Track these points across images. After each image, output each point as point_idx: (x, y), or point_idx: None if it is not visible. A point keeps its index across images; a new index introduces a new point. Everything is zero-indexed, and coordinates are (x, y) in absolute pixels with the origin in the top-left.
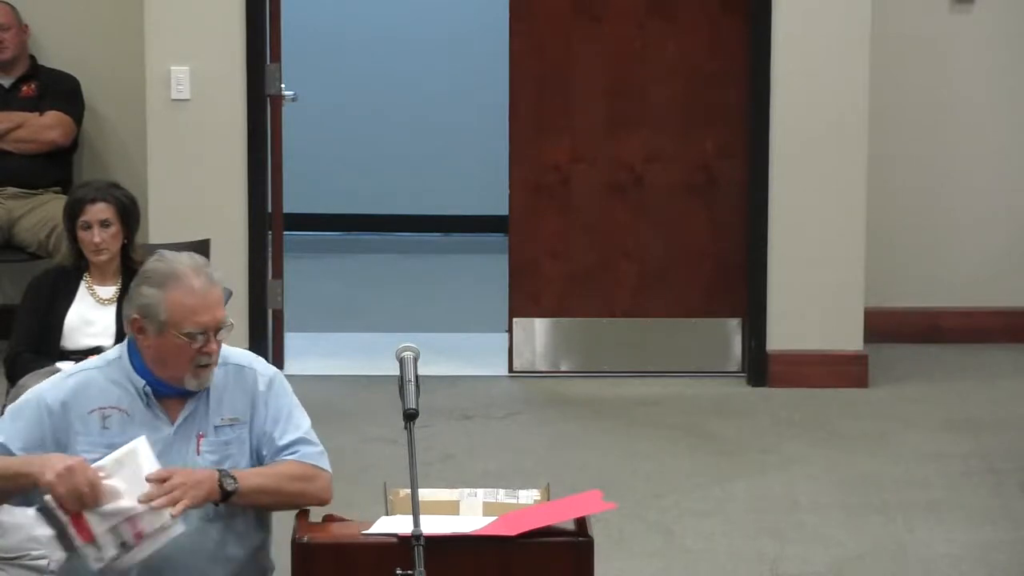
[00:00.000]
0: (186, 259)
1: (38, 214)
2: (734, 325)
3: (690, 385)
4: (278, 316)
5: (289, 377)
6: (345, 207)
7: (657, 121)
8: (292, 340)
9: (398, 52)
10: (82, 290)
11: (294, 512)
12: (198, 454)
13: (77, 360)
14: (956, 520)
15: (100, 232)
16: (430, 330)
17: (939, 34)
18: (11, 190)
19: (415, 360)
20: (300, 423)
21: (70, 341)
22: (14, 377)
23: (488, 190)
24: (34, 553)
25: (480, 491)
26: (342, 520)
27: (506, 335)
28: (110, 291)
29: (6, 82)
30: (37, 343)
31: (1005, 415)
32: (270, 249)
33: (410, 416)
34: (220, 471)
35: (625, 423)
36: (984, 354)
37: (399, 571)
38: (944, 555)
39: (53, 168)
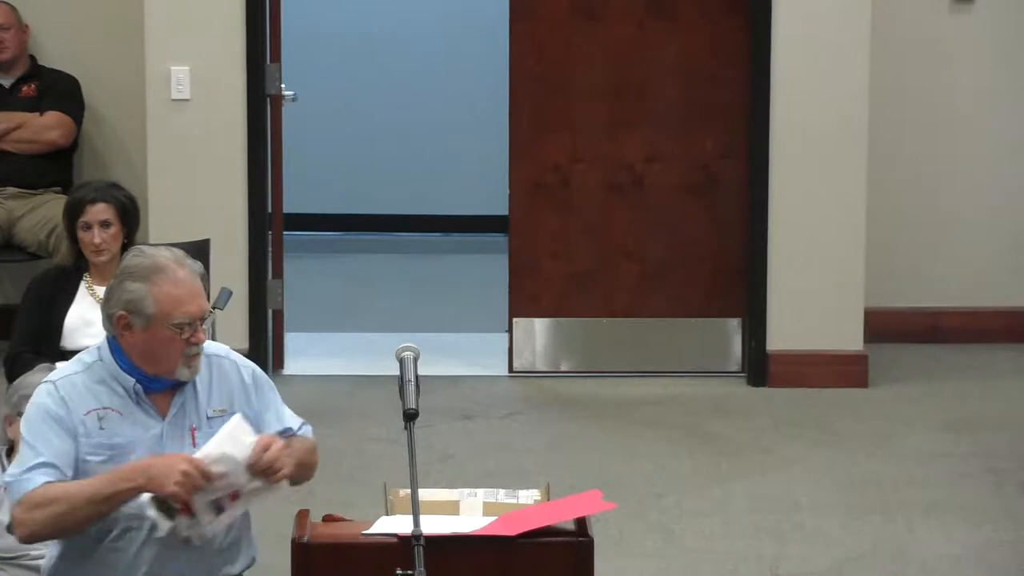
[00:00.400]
0: (165, 252)
1: (38, 214)
2: (734, 325)
3: (690, 385)
4: (278, 316)
5: (289, 377)
6: (345, 207)
7: (657, 121)
8: (292, 340)
9: (398, 52)
10: (82, 290)
11: (294, 512)
12: (194, 446)
13: None
14: (956, 520)
15: (100, 232)
16: (430, 330)
17: (939, 34)
18: (11, 190)
19: (415, 360)
20: (286, 408)
21: (70, 341)
22: (14, 377)
23: (488, 190)
24: (33, 553)
25: (480, 491)
26: (342, 520)
27: (506, 335)
28: None
29: (6, 82)
30: (37, 343)
31: (1005, 415)
32: (270, 249)
33: (410, 416)
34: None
35: (625, 423)
36: (984, 354)
37: (399, 571)
38: (944, 555)
39: (53, 168)
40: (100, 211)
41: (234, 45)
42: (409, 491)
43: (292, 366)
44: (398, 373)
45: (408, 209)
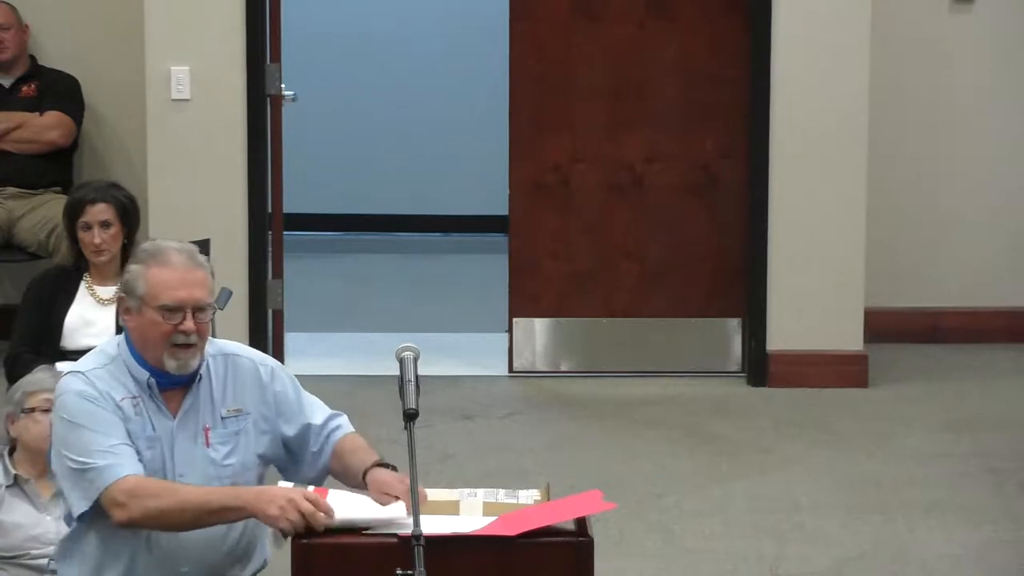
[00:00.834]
0: (175, 242)
1: (38, 214)
2: (734, 325)
3: (690, 385)
4: (278, 316)
5: None
6: (345, 207)
7: (657, 121)
8: (292, 340)
9: (398, 52)
10: (82, 290)
11: None
12: (207, 446)
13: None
14: (956, 520)
15: (100, 233)
16: (430, 330)
17: (939, 34)
18: (11, 190)
19: (415, 360)
20: (315, 402)
21: (70, 341)
22: (14, 377)
23: (488, 190)
24: (34, 552)
25: (480, 491)
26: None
27: (506, 335)
28: (110, 291)
29: (6, 82)
30: (37, 343)
31: (1005, 415)
32: (270, 249)
33: (410, 416)
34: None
35: (625, 423)
36: (984, 354)
37: (399, 571)
38: (944, 555)
39: (53, 168)
40: (100, 211)
41: (234, 45)
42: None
43: (292, 366)
44: (398, 373)
45: (408, 209)
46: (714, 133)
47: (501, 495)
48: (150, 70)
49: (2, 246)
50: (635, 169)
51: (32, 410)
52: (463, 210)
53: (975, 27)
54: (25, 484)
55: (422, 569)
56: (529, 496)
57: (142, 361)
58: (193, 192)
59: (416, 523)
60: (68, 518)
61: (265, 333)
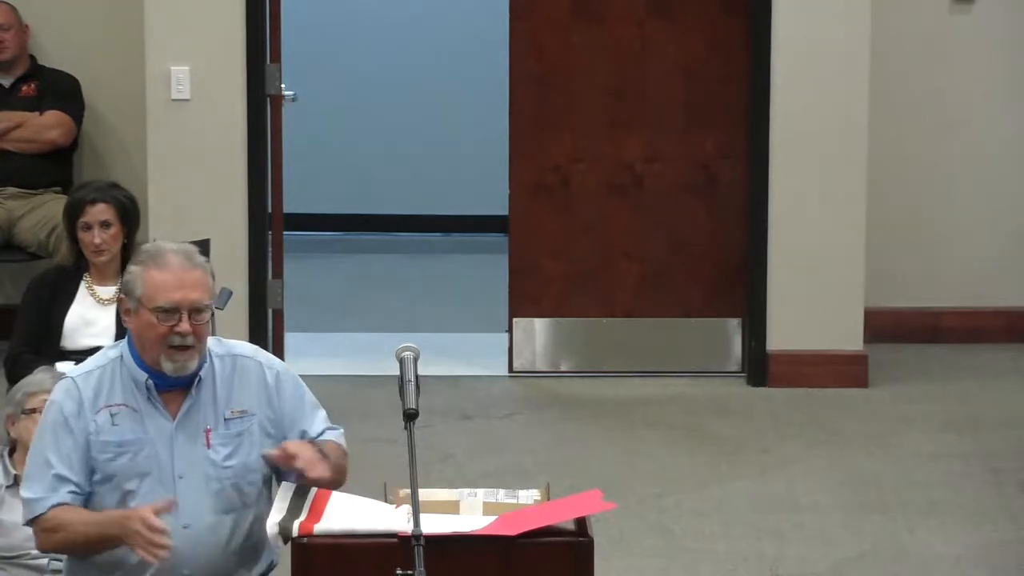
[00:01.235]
0: (173, 244)
1: (38, 214)
2: (734, 325)
3: (690, 385)
4: (278, 316)
5: None
6: (345, 207)
7: (657, 121)
8: (292, 340)
9: (398, 52)
10: (82, 290)
11: None
12: (208, 447)
13: (77, 360)
14: (956, 520)
15: (100, 233)
16: (430, 330)
17: (939, 34)
18: (11, 190)
19: (415, 360)
20: (317, 411)
21: (70, 341)
22: (14, 377)
23: (488, 190)
24: (34, 552)
25: (480, 491)
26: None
27: (506, 335)
28: (110, 291)
29: (6, 82)
30: (37, 343)
31: (1005, 415)
32: (270, 249)
33: (410, 416)
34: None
35: (625, 423)
36: (984, 354)
37: (399, 571)
38: (944, 555)
39: (53, 168)
40: (100, 211)
41: (234, 45)
42: (409, 491)
43: (292, 366)
44: (398, 373)
45: (408, 209)
46: (714, 133)
47: (501, 495)
48: (150, 70)
49: (2, 246)
50: (635, 169)
51: (33, 411)
52: (463, 210)
53: (975, 27)
54: None
55: (422, 569)
56: (529, 496)
57: (141, 363)
58: (193, 192)
59: (416, 523)
60: None
61: (265, 333)
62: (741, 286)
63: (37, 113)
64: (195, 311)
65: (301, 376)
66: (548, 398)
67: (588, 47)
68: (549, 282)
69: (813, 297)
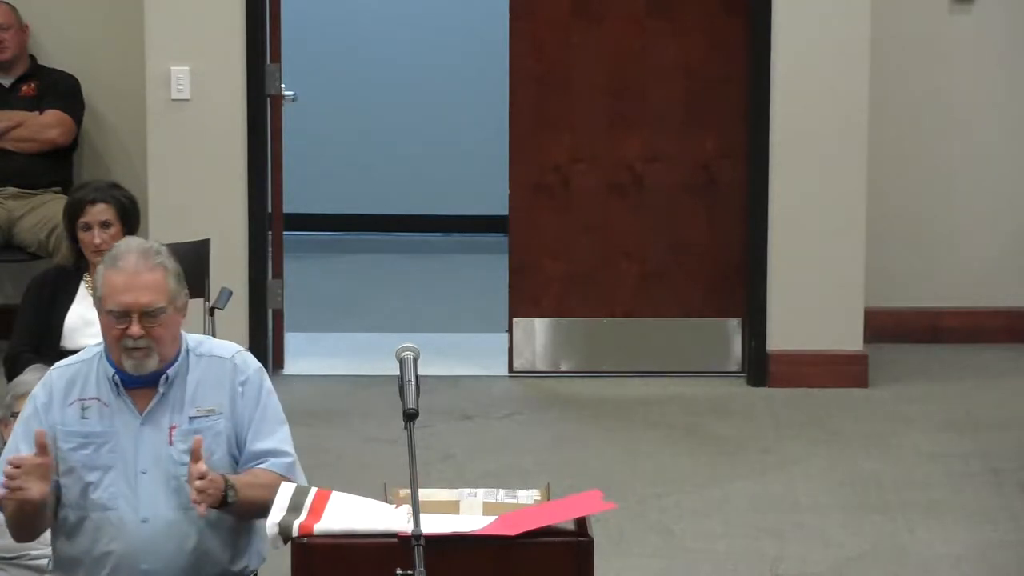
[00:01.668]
0: (136, 243)
1: (38, 214)
2: (734, 325)
3: (690, 385)
4: (278, 316)
5: (289, 377)
6: (345, 207)
7: (657, 121)
8: (292, 340)
9: (398, 52)
10: (82, 290)
11: None
12: (170, 444)
13: None
14: (956, 520)
15: (100, 233)
16: (430, 330)
17: (939, 34)
18: (11, 190)
19: (415, 360)
20: (275, 430)
21: (70, 341)
22: (14, 377)
23: (488, 190)
24: (34, 553)
25: (480, 491)
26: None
27: (506, 335)
28: None
29: (6, 82)
30: (37, 343)
31: (1005, 415)
32: (270, 249)
33: (410, 416)
34: (227, 480)
35: (625, 423)
36: (984, 354)
37: (399, 571)
38: (944, 555)
39: (53, 168)
40: (100, 211)
41: (234, 45)
42: (409, 491)
43: (292, 366)
44: (398, 373)
45: (408, 209)
46: (714, 133)
47: (501, 495)
48: (150, 70)
49: (2, 246)
50: (635, 169)
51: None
52: (463, 210)
53: (975, 27)
54: None
55: (422, 569)
56: (529, 496)
57: (110, 359)
58: (193, 192)
59: (416, 523)
60: None
61: (265, 333)
62: (741, 286)
63: (37, 113)
64: (146, 315)
65: (301, 376)
66: (548, 398)
67: (588, 47)
68: (549, 282)
69: (813, 297)
